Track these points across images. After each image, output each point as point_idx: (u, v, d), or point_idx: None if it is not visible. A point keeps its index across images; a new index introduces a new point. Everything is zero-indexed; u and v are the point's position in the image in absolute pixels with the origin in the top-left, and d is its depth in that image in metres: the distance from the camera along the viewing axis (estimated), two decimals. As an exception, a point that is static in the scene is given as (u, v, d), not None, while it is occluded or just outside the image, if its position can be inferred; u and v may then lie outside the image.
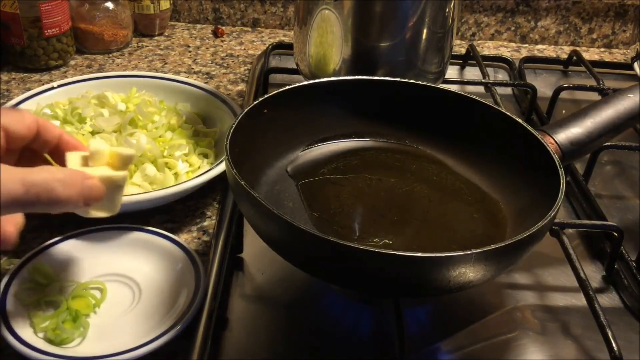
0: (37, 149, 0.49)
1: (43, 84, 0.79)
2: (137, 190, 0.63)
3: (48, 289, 0.53)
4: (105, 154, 0.47)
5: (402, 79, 0.66)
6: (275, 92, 0.62)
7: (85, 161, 0.48)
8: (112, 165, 0.48)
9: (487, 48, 1.08)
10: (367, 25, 0.71)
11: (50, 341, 0.49)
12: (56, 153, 0.50)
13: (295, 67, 0.82)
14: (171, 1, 1.02)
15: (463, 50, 1.00)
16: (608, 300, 0.60)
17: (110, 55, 0.96)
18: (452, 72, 0.97)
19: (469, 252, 0.44)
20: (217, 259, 0.58)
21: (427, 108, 0.66)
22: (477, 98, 0.64)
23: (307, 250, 0.47)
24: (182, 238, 0.61)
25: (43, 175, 0.41)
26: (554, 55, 1.07)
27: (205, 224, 0.65)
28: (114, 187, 0.47)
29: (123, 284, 0.55)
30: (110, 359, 0.47)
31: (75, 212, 0.47)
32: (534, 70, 0.99)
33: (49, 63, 0.89)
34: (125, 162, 0.48)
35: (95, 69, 0.92)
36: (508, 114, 0.62)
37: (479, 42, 1.10)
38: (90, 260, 0.57)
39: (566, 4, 1.07)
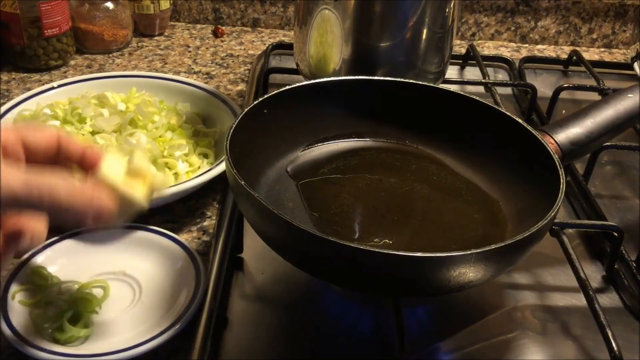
0: (63, 164, 0.49)
1: (43, 84, 0.79)
2: (137, 190, 0.63)
3: (49, 289, 0.53)
4: (145, 172, 0.48)
5: (402, 79, 0.66)
6: (275, 92, 0.62)
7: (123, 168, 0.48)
8: (144, 183, 0.48)
9: (487, 48, 1.08)
10: (367, 25, 0.71)
11: (54, 340, 0.49)
12: (83, 167, 0.50)
13: (295, 67, 0.82)
14: (171, 1, 1.02)
15: (463, 50, 1.00)
16: (608, 300, 0.60)
17: (110, 55, 0.96)
18: (452, 72, 0.97)
19: (469, 252, 0.44)
20: (217, 258, 0.58)
21: (427, 108, 0.66)
22: (477, 98, 0.64)
23: (307, 250, 0.47)
24: (182, 238, 0.61)
25: (48, 180, 0.41)
26: (554, 55, 1.07)
27: (205, 224, 0.65)
28: (131, 206, 0.48)
29: (124, 283, 0.55)
30: (111, 357, 0.47)
31: None
32: (534, 70, 0.99)
33: (49, 63, 0.89)
34: (157, 188, 0.49)
35: (95, 69, 0.92)
36: (508, 114, 0.62)
37: (479, 42, 1.10)
38: (91, 259, 0.57)
39: (566, 4, 1.07)
